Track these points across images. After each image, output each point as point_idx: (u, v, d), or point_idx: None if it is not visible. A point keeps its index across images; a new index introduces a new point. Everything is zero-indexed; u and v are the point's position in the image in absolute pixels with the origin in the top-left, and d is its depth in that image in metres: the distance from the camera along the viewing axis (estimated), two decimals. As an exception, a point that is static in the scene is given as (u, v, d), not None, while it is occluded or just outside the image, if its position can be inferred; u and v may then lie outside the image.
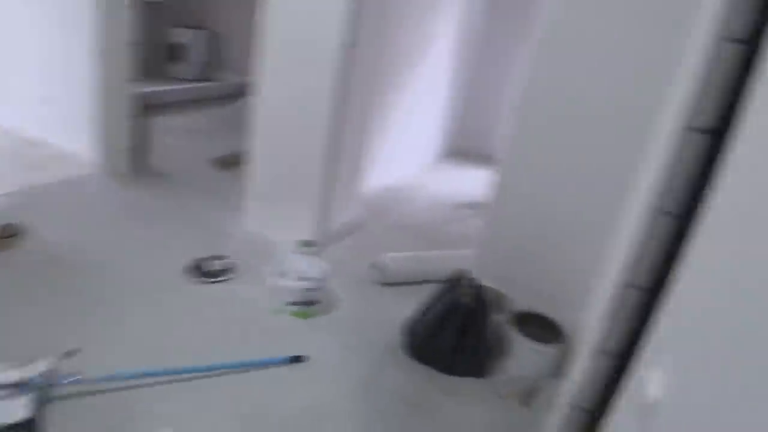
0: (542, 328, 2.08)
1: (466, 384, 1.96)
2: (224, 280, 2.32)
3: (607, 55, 1.91)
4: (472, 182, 4.35)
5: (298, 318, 2.15)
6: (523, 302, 2.16)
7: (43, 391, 1.49)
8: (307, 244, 2.31)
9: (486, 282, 2.08)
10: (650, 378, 0.61)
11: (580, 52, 1.95)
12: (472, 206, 3.78)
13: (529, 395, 1.96)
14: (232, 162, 3.59)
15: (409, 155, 4.27)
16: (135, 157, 3.27)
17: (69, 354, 1.71)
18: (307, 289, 2.18)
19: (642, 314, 1.08)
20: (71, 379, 1.56)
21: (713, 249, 0.65)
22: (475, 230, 3.37)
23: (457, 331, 1.96)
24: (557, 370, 2.02)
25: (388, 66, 3.14)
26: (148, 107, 3.63)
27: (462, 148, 5.17)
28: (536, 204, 2.17)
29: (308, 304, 2.19)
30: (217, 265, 2.37)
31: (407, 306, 2.20)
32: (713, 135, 0.92)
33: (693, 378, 0.57)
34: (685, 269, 0.78)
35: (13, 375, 1.48)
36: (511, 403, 1.92)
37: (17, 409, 1.40)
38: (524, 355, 2.01)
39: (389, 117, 3.59)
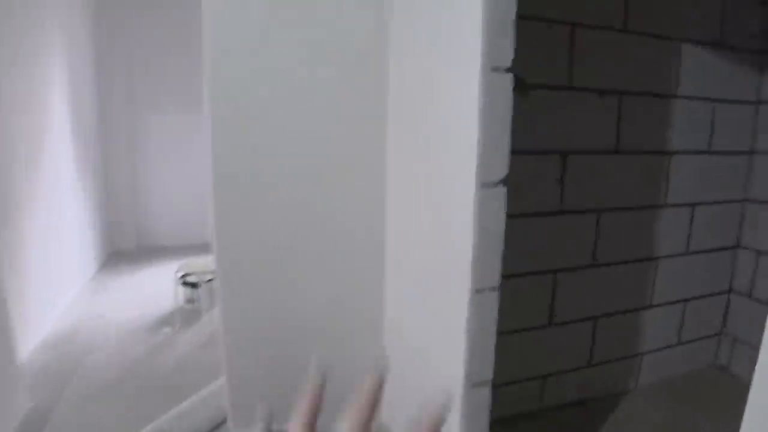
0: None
1: None
2: None
3: (292, 110, 1.69)
4: (155, 286, 3.60)
5: None
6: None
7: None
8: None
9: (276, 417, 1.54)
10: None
11: (262, 116, 1.67)
12: (172, 319, 3.08)
13: None
14: None
15: (59, 281, 3.23)
16: None
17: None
18: None
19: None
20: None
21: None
22: (191, 347, 2.72)
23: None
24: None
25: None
26: None
27: (124, 250, 4.28)
28: (278, 289, 1.79)
29: None
30: None
31: None
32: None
33: None
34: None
35: None
36: None
37: None
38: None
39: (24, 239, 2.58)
